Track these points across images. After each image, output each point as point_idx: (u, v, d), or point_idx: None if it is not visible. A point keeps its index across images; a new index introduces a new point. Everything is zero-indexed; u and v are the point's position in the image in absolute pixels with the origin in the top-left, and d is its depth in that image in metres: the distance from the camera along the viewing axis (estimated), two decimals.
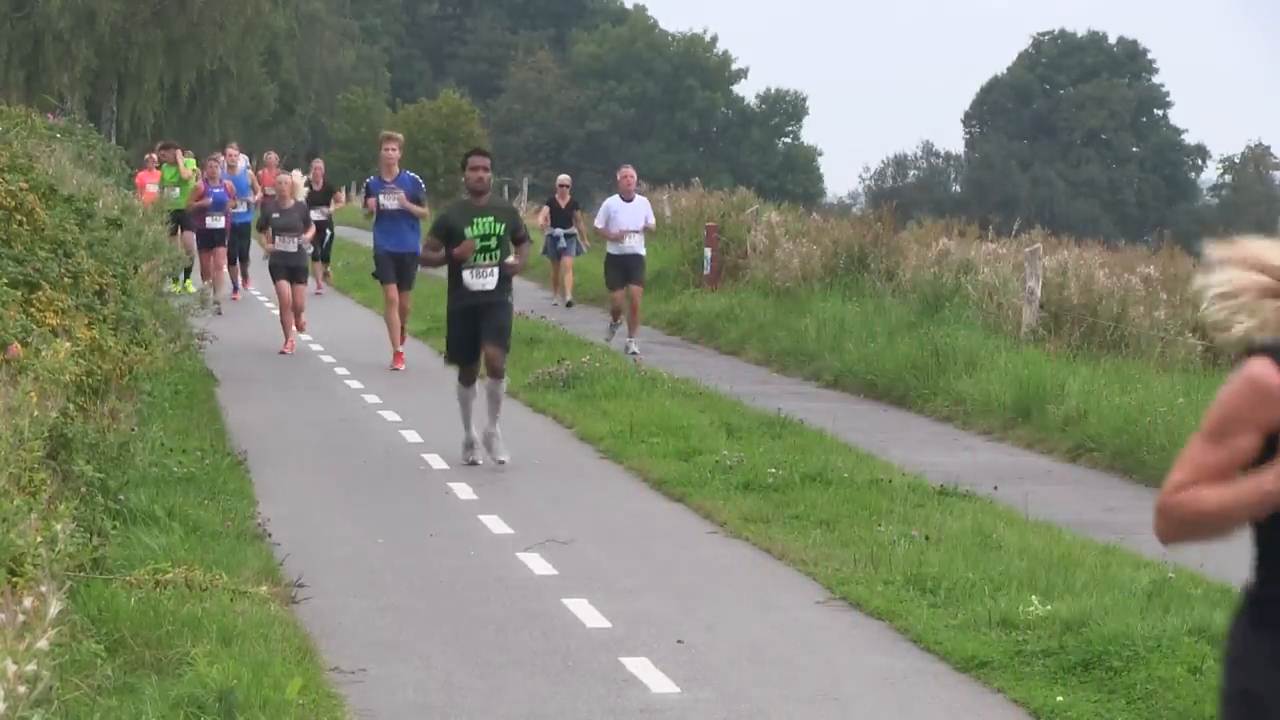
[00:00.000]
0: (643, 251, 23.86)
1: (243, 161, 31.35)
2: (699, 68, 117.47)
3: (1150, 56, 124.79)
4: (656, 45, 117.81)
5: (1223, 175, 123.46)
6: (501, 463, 14.42)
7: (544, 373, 18.97)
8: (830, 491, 13.05)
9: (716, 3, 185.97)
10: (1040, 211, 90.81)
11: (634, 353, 22.51)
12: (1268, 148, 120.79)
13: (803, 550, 11.37)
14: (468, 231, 14.35)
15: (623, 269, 23.53)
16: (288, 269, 22.38)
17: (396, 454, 15.11)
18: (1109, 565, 10.74)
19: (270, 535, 11.27)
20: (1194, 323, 20.71)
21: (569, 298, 30.61)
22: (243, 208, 29.35)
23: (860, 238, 26.05)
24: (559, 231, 30.58)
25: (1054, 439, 16.54)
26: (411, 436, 16.00)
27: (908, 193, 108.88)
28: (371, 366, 20.99)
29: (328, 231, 31.02)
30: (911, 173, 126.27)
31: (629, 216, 23.53)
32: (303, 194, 23.27)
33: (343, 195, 34.76)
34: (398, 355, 21.18)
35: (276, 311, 23.54)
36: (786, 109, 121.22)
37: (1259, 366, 3.99)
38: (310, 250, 23.53)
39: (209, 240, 28.05)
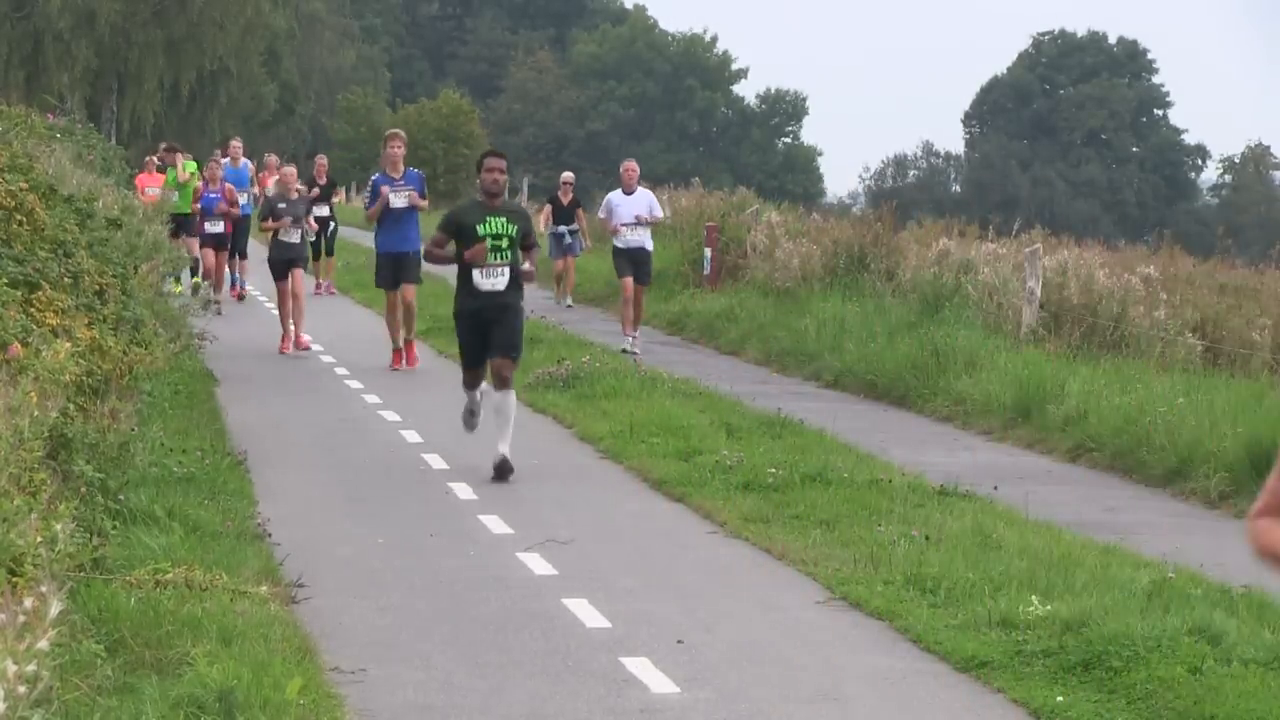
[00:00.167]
0: (649, 245, 23.84)
1: (243, 159, 31.21)
2: (699, 68, 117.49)
3: (1150, 56, 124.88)
4: (656, 45, 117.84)
5: (1223, 175, 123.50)
6: (504, 479, 13.96)
7: (544, 373, 18.98)
8: (830, 491, 13.05)
9: (716, 3, 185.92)
10: (1040, 211, 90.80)
11: (632, 353, 22.45)
12: (1268, 148, 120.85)
13: (803, 550, 11.37)
14: (479, 229, 14.14)
15: (630, 261, 23.57)
16: (286, 262, 22.28)
17: (396, 454, 15.11)
18: (1109, 565, 10.74)
19: (270, 535, 11.27)
20: (1194, 323, 20.75)
21: (568, 301, 30.61)
22: (244, 199, 29.22)
23: (860, 238, 26.05)
24: (564, 229, 30.59)
25: (1054, 439, 16.54)
26: (411, 436, 16.00)
27: (908, 193, 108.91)
28: (372, 366, 20.99)
29: (331, 223, 31.05)
30: (911, 173, 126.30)
31: (629, 210, 23.53)
32: (294, 180, 23.35)
33: (341, 192, 34.77)
34: (396, 354, 21.08)
35: (276, 312, 23.52)
36: (786, 109, 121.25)
37: None
38: (311, 238, 23.35)
39: (210, 242, 27.91)
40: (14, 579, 6.31)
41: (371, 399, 18.48)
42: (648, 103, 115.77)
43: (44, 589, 6.23)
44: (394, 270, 20.82)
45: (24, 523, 6.66)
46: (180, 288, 27.28)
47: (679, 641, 9.22)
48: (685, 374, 20.00)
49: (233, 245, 29.18)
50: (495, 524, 12.19)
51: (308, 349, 22.48)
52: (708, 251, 29.00)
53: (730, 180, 71.84)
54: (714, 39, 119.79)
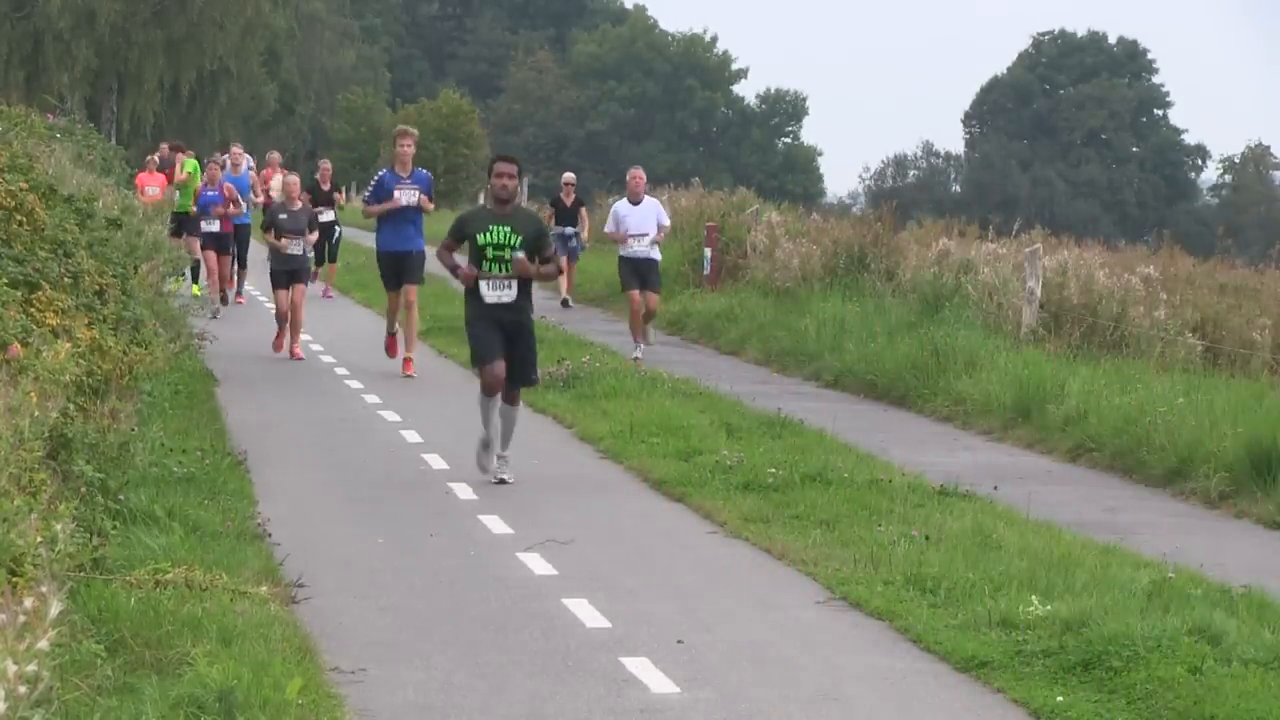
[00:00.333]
0: (656, 256, 23.14)
1: (245, 162, 30.99)
2: (699, 68, 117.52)
3: (1150, 56, 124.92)
4: (656, 45, 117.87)
5: (1223, 175, 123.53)
6: (503, 480, 13.82)
7: (544, 373, 18.94)
8: (830, 491, 13.05)
9: (716, 3, 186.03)
10: (1040, 211, 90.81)
11: (636, 358, 22.31)
12: (1268, 148, 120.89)
13: (803, 550, 11.37)
14: (480, 238, 13.60)
15: (636, 272, 22.85)
16: (288, 274, 22.00)
17: (396, 454, 15.11)
18: (1109, 565, 10.74)
19: (270, 535, 11.26)
20: (1194, 323, 20.75)
21: (565, 298, 30.60)
22: (244, 208, 28.95)
23: (860, 238, 26.06)
24: (569, 230, 30.58)
25: (1054, 439, 16.55)
26: (411, 436, 16.00)
27: (908, 193, 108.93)
28: (372, 366, 20.98)
29: (336, 229, 30.94)
30: (911, 173, 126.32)
31: (637, 221, 22.79)
32: (296, 189, 23.09)
33: (342, 196, 34.70)
34: (391, 339, 20.70)
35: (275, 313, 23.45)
36: (786, 109, 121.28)
37: None
38: (311, 254, 23.12)
39: (210, 243, 27.60)
40: (14, 579, 6.31)
41: (371, 399, 18.48)
42: (648, 103, 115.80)
43: (44, 589, 6.23)
44: (397, 271, 20.50)
45: (24, 523, 6.66)
46: (180, 285, 27.27)
47: (679, 641, 9.22)
48: (685, 374, 20.00)
49: (234, 254, 28.87)
50: (495, 524, 12.19)
51: (300, 358, 22.16)
52: (708, 251, 29.00)
53: (730, 180, 71.85)
54: (714, 39, 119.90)
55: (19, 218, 11.14)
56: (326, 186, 30.67)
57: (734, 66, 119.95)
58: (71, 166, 22.95)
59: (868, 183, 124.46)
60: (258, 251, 29.66)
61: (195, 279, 28.49)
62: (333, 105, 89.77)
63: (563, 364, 19.21)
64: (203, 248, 27.56)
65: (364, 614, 9.66)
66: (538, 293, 15.08)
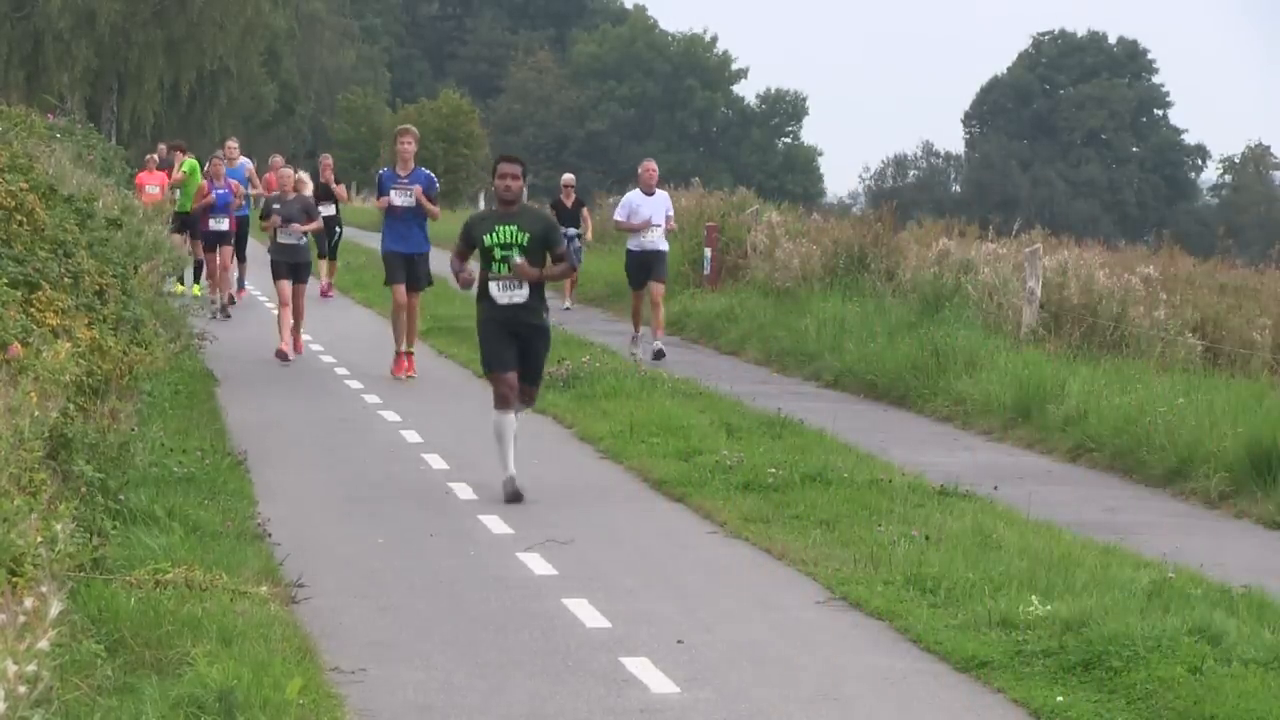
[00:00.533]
0: (665, 247, 23.25)
1: (241, 158, 30.94)
2: (699, 68, 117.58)
3: (1150, 56, 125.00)
4: (656, 45, 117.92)
5: (1223, 175, 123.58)
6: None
7: (544, 373, 18.93)
8: (830, 491, 13.05)
9: (716, 3, 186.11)
10: (1040, 211, 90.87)
11: (662, 352, 22.22)
12: (1268, 148, 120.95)
13: (803, 550, 11.37)
14: (486, 240, 13.34)
15: (644, 266, 22.94)
16: (289, 266, 21.95)
17: (396, 454, 15.11)
18: (1109, 565, 10.74)
19: (270, 535, 11.26)
20: (1194, 323, 20.76)
21: (567, 303, 30.56)
22: (243, 200, 29.03)
23: (860, 238, 26.06)
24: (571, 232, 30.56)
25: (1054, 439, 16.55)
26: (411, 436, 16.00)
27: (908, 193, 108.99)
28: (372, 367, 20.96)
29: (337, 228, 30.86)
30: (911, 173, 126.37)
31: (650, 211, 22.97)
32: (309, 189, 23.09)
33: (343, 190, 34.64)
34: (398, 358, 20.34)
35: (276, 311, 23.44)
36: (786, 109, 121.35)
37: None
38: (304, 241, 23.08)
39: (214, 241, 27.54)
40: (14, 579, 6.31)
41: (371, 399, 18.47)
42: (648, 103, 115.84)
43: (44, 589, 6.23)
44: (403, 271, 20.28)
45: (24, 523, 6.66)
46: (181, 289, 27.29)
47: (679, 641, 9.22)
48: (685, 374, 20.00)
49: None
50: (495, 524, 12.19)
51: (300, 352, 22.14)
52: (708, 251, 29.00)
53: (730, 180, 71.86)
54: (714, 39, 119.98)
55: (19, 218, 11.14)
56: (326, 179, 30.58)
57: (734, 66, 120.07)
58: (71, 166, 22.95)
59: (868, 183, 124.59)
60: (257, 249, 29.66)
61: (196, 279, 28.50)
62: (333, 105, 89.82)
63: (563, 364, 19.20)
64: (206, 249, 27.51)
65: (364, 614, 9.66)
66: None
